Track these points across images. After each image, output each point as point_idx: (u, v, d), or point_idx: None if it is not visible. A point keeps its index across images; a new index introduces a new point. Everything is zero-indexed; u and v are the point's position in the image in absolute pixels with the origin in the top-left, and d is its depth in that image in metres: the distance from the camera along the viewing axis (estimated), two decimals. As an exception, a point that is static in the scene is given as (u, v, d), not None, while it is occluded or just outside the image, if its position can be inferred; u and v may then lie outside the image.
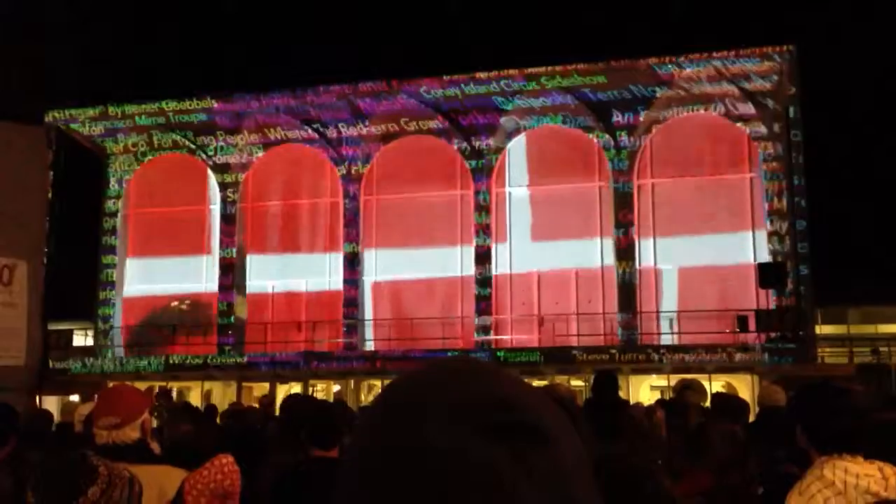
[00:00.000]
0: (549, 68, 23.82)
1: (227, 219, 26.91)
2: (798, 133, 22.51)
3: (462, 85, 24.42)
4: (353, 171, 26.14)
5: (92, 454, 2.49)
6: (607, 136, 24.31)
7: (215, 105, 26.45)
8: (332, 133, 26.27)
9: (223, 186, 27.07)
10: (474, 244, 24.86)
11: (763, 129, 23.44)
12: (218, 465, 2.60)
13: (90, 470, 2.35)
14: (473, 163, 25.29)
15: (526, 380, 0.83)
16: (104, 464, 2.41)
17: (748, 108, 23.49)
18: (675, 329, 22.90)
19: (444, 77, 24.59)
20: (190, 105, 26.63)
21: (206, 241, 27.35)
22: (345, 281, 25.67)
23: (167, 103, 26.80)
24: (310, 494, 3.56)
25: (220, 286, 26.55)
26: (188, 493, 2.55)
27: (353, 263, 25.67)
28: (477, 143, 25.26)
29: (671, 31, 38.14)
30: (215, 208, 27.35)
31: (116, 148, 28.06)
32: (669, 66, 23.16)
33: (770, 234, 23.01)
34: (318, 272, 26.48)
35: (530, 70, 23.99)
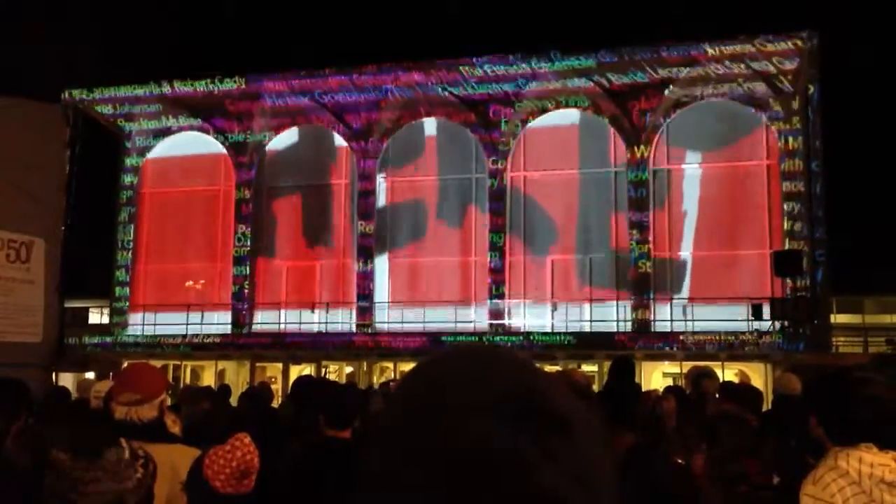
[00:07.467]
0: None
1: (243, 198, 26.95)
2: (817, 119, 22.27)
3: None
4: (368, 152, 26.11)
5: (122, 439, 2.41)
6: (623, 120, 24.17)
7: (234, 86, 26.45)
8: (350, 119, 26.26)
9: (239, 166, 27.11)
10: (488, 228, 24.84)
11: (782, 116, 23.22)
12: (238, 444, 2.62)
13: (132, 454, 2.26)
14: (490, 147, 25.25)
15: (539, 365, 0.84)
16: (140, 446, 2.34)
17: (767, 95, 23.25)
18: (689, 316, 22.82)
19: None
20: (207, 85, 26.64)
21: (221, 220, 27.39)
22: (359, 262, 25.72)
23: (185, 83, 26.85)
24: (327, 472, 3.65)
25: (236, 265, 26.66)
26: (208, 467, 2.57)
27: (367, 255, 25.74)
28: (493, 132, 25.23)
29: (692, 17, 37.86)
30: (231, 187, 27.38)
31: (134, 127, 28.15)
32: (686, 51, 23.00)
33: (786, 222, 22.84)
34: (334, 254, 26.49)
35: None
